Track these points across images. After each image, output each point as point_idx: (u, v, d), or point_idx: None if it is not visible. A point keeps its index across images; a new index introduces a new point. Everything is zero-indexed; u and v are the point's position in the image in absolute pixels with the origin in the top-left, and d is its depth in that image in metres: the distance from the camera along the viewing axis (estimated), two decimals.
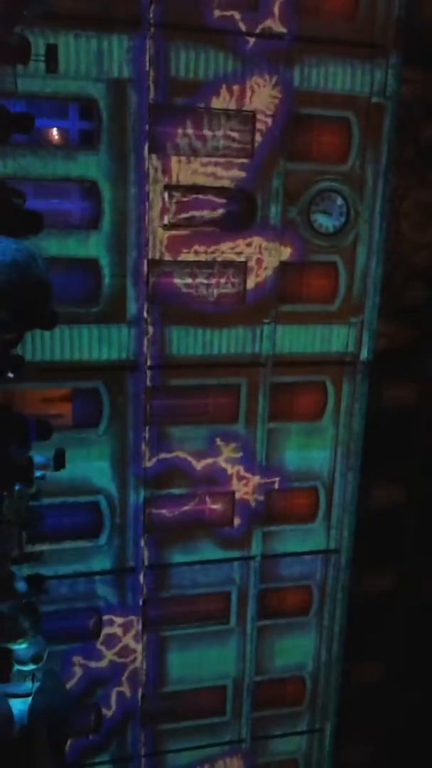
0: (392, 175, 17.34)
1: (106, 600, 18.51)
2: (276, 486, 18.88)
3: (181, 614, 19.32)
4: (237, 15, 16.21)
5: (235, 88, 16.56)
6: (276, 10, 16.34)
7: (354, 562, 19.49)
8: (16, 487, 13.43)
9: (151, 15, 15.68)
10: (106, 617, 18.59)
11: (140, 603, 18.68)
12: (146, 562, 18.52)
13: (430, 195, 17.95)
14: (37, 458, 13.93)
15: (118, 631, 18.75)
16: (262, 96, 16.67)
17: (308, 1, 16.54)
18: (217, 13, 16.05)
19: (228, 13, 16.15)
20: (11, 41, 11.48)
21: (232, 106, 16.67)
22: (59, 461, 14.50)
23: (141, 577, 18.57)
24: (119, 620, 18.72)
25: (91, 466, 17.75)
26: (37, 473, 13.90)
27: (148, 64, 15.88)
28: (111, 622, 18.71)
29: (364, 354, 18.28)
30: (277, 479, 18.85)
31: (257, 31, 16.33)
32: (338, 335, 18.18)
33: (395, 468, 19.26)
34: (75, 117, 16.45)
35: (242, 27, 16.29)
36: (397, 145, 17.20)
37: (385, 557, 19.92)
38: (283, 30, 16.40)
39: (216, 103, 16.59)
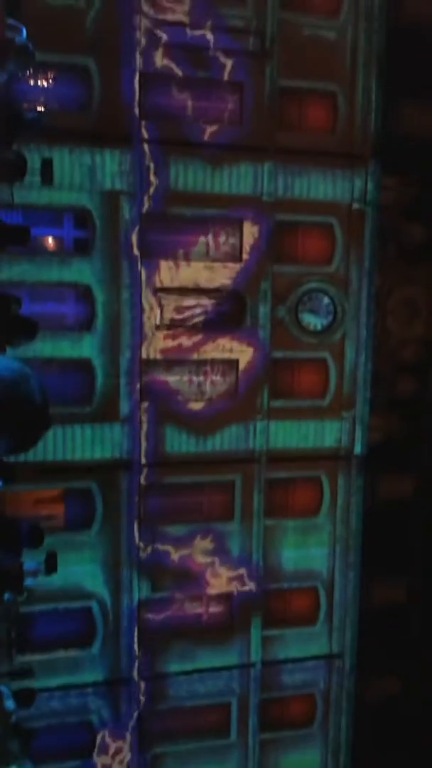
0: (376, 275, 17.98)
1: (100, 714, 17.61)
2: (274, 587, 18.37)
3: (178, 728, 18.30)
4: (223, 130, 17.30)
5: (221, 198, 17.43)
6: (259, 126, 17.46)
7: (358, 667, 18.66)
8: (6, 596, 13.11)
9: (142, 132, 16.75)
10: (99, 733, 17.62)
11: (135, 717, 17.76)
12: (141, 673, 17.75)
13: (414, 292, 18.53)
14: (28, 565, 13.67)
15: (112, 747, 17.71)
16: (248, 203, 17.53)
17: (291, 116, 17.70)
18: (203, 128, 17.15)
19: (214, 128, 17.24)
20: (8, 158, 12.16)
21: (221, 213, 17.50)
22: (51, 565, 14.24)
23: (135, 689, 17.73)
24: (113, 737, 17.73)
25: (83, 570, 17.38)
26: (28, 580, 13.61)
27: (138, 177, 16.82)
28: (104, 740, 17.72)
29: (357, 448, 18.28)
30: (275, 581, 18.37)
31: (243, 143, 17.39)
32: (331, 430, 18.25)
33: (395, 564, 18.81)
34: (69, 226, 17.24)
35: (230, 140, 17.36)
36: (379, 246, 17.93)
37: (390, 660, 19.08)
38: (267, 143, 17.46)
39: (204, 212, 17.43)
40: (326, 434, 18.23)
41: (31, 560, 13.49)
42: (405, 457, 18.62)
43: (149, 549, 17.64)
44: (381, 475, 18.47)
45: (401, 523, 18.67)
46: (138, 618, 17.72)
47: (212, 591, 18.32)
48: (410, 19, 17.38)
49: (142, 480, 17.36)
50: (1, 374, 3.49)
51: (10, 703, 12.22)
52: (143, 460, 17.31)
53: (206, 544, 18.07)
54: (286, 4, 17.22)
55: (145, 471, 17.37)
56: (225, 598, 18.45)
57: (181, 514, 17.92)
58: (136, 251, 16.95)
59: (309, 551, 18.57)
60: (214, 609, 18.43)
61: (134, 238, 16.91)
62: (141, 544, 17.55)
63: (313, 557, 18.58)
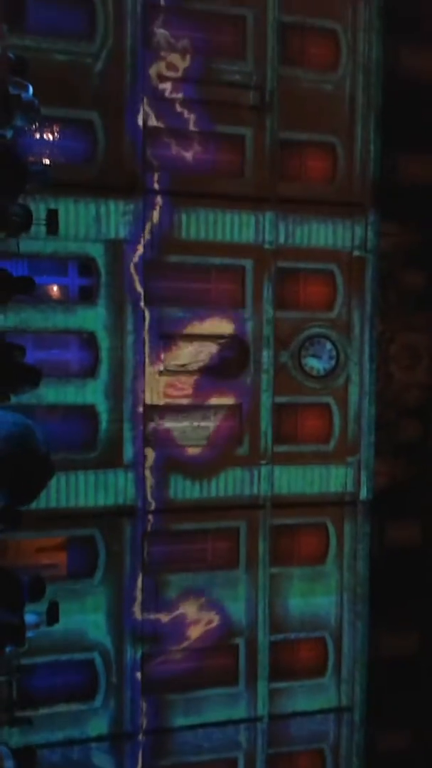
0: (378, 321, 18.15)
1: None
2: (281, 637, 18.01)
3: None
4: (225, 180, 17.69)
5: (223, 246, 17.70)
6: (260, 176, 17.84)
7: (368, 720, 18.14)
8: (8, 650, 12.88)
9: (145, 182, 17.11)
10: None
11: None
12: (145, 726, 17.27)
13: (416, 338, 18.66)
14: (30, 617, 13.45)
15: None
16: (250, 251, 17.80)
17: (291, 167, 18.09)
18: (205, 179, 17.54)
19: (216, 179, 17.63)
20: (14, 211, 12.37)
21: (224, 261, 17.75)
22: (53, 615, 13.99)
23: (139, 743, 17.24)
24: None
25: (85, 620, 17.08)
26: (30, 633, 13.37)
27: (142, 226, 17.11)
28: None
29: (363, 493, 18.16)
30: (281, 631, 18.04)
31: (244, 194, 17.74)
32: (336, 475, 18.16)
33: (405, 612, 18.46)
34: (74, 274, 17.47)
35: (232, 191, 17.72)
36: (380, 293, 18.14)
37: (401, 713, 18.56)
38: (268, 193, 17.81)
39: (207, 259, 17.69)
40: (331, 479, 18.13)
41: (32, 611, 13.27)
42: (412, 502, 18.47)
43: (152, 598, 17.36)
44: (388, 521, 18.29)
45: (410, 570, 18.40)
46: (142, 670, 17.33)
47: (217, 642, 17.97)
48: (406, 72, 17.93)
49: (146, 527, 17.19)
50: (9, 430, 3.54)
51: (10, 764, 11.90)
52: (147, 507, 17.17)
53: (212, 593, 17.79)
54: (286, 60, 17.77)
55: (148, 518, 17.22)
56: (231, 648, 18.08)
57: (186, 562, 17.70)
58: (140, 298, 17.14)
59: (316, 600, 18.27)
60: (219, 661, 18.04)
61: (138, 286, 17.12)
62: (143, 594, 17.28)
63: (320, 606, 18.27)
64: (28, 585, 10.32)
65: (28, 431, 3.64)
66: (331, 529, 18.34)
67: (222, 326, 17.72)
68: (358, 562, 18.17)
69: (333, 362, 18.08)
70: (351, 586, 18.24)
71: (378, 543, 18.15)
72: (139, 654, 17.32)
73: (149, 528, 17.23)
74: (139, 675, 17.30)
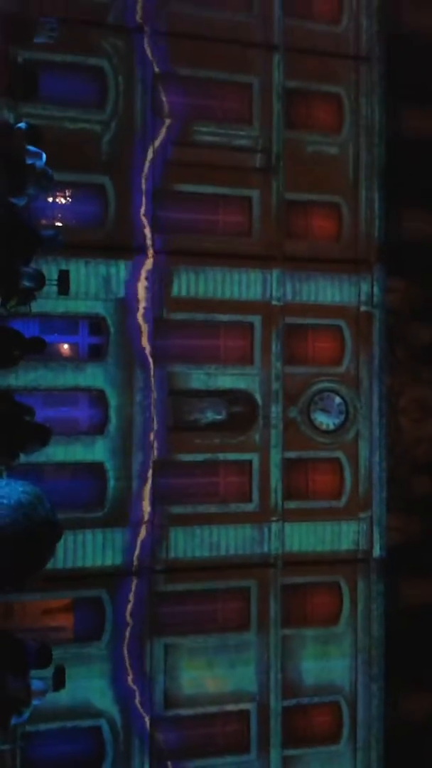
0: (386, 375, 18.14)
1: None
2: (294, 703, 17.42)
3: None
4: (233, 240, 18.03)
5: (231, 304, 17.91)
6: (266, 236, 18.17)
7: None
8: (14, 720, 12.57)
9: (155, 243, 17.45)
10: None
11: None
12: None
13: (425, 392, 18.60)
14: (35, 684, 13.17)
15: None
16: (258, 308, 17.98)
17: (297, 226, 18.42)
18: (214, 237, 17.88)
19: (223, 239, 17.97)
20: (27, 275, 12.55)
21: (232, 318, 17.93)
22: (59, 681, 13.65)
23: None
24: None
25: (92, 685, 16.63)
26: (36, 700, 13.07)
27: (151, 285, 17.38)
28: None
29: (376, 551, 17.80)
30: (294, 695, 17.46)
31: (252, 253, 18.04)
32: (348, 532, 17.85)
33: (422, 675, 17.82)
34: (85, 333, 17.68)
35: (239, 250, 18.03)
36: (387, 347, 18.20)
37: None
38: (274, 252, 18.10)
39: (216, 316, 17.87)
40: (343, 536, 17.82)
41: (38, 677, 12.97)
42: (426, 559, 18.05)
43: (160, 662, 16.94)
44: (402, 579, 17.85)
45: (426, 630, 17.85)
46: (150, 737, 16.75)
47: (228, 708, 17.41)
48: (408, 133, 18.41)
49: (153, 587, 16.90)
50: (18, 499, 3.57)
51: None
52: (154, 566, 16.91)
53: (222, 656, 17.32)
54: (291, 124, 18.31)
55: (156, 578, 16.93)
56: (242, 715, 17.48)
57: (196, 624, 17.29)
58: (149, 356, 17.28)
59: (329, 663, 17.72)
60: (230, 728, 17.42)
61: (147, 344, 17.29)
62: (152, 658, 16.87)
63: (333, 669, 17.71)
64: (34, 651, 10.12)
65: (37, 500, 3.66)
66: (344, 588, 17.93)
67: (231, 382, 17.76)
68: (372, 623, 17.69)
69: (342, 417, 18.01)
70: (365, 647, 17.70)
71: (392, 602, 17.68)
72: (147, 721, 16.77)
73: (156, 588, 16.93)
74: (147, 744, 16.72)
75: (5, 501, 3.58)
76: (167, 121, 17.54)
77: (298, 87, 18.37)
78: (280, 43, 18.03)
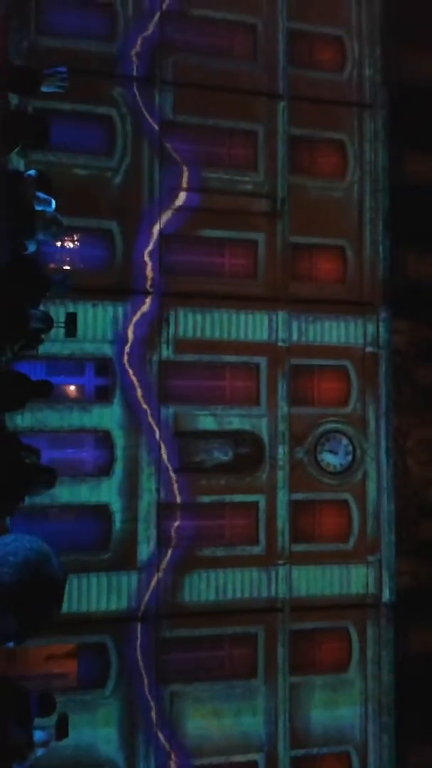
0: (393, 416, 18.05)
1: None
2: (302, 753, 16.92)
3: None
4: (239, 282, 18.18)
5: (237, 345, 17.98)
6: (272, 278, 18.31)
7: None
8: None
9: (161, 286, 17.61)
10: None
11: None
12: None
13: None
14: (39, 735, 12.92)
15: None
16: (264, 349, 18.03)
17: (302, 269, 18.58)
18: (221, 280, 18.03)
19: (229, 282, 18.12)
20: (38, 315, 12.72)
21: (238, 359, 17.97)
22: (62, 730, 13.34)
23: None
24: None
25: (96, 734, 16.25)
26: (38, 751, 12.81)
27: (158, 327, 17.49)
28: None
29: (386, 595, 17.47)
30: (303, 745, 16.97)
31: (257, 295, 18.17)
32: (357, 575, 17.56)
33: None
34: (91, 374, 17.74)
35: (245, 292, 18.16)
36: (394, 387, 18.15)
37: None
38: (280, 294, 18.23)
39: (222, 357, 17.92)
40: (352, 580, 17.52)
41: (41, 727, 12.70)
42: None
43: (166, 712, 16.55)
44: (412, 625, 17.47)
45: None
46: None
47: (236, 759, 16.92)
48: (411, 176, 18.68)
49: (159, 633, 16.60)
50: (25, 556, 3.47)
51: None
52: (160, 612, 16.64)
53: (229, 704, 16.90)
54: (295, 169, 18.61)
55: (162, 623, 16.65)
56: (250, 767, 16.98)
57: (202, 671, 16.93)
58: (155, 397, 17.29)
59: (339, 711, 17.26)
60: None
61: (154, 384, 17.32)
62: (157, 706, 16.48)
63: (343, 718, 17.24)
64: (36, 700, 9.94)
65: (45, 558, 3.59)
66: (353, 634, 17.55)
67: (237, 423, 17.71)
68: (382, 670, 17.26)
69: (349, 458, 17.88)
70: (375, 695, 17.24)
71: (403, 648, 17.27)
72: None
73: (162, 634, 16.63)
74: None
75: (12, 558, 3.52)
76: (174, 168, 17.86)
77: (302, 134, 18.72)
78: (285, 92, 18.45)
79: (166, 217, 17.75)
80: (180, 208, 17.90)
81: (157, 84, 17.62)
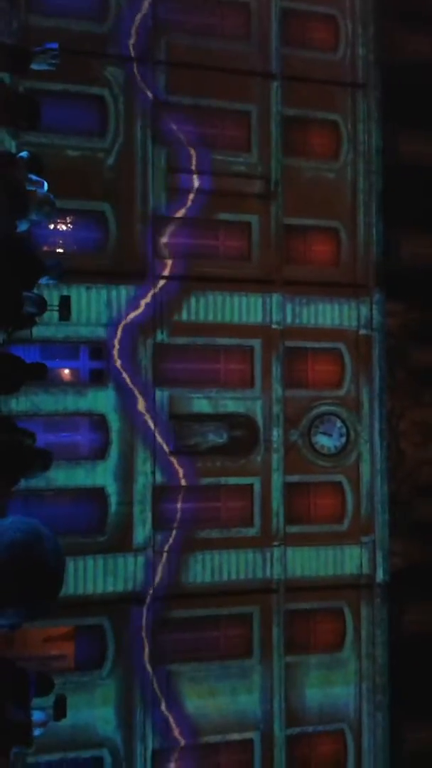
0: (387, 397, 18.10)
1: None
2: (297, 731, 17.12)
3: None
4: (232, 265, 18.13)
5: (232, 327, 17.96)
6: (266, 260, 18.27)
7: None
8: (14, 751, 12.40)
9: (155, 269, 17.55)
10: None
11: None
12: None
13: (426, 414, 18.56)
14: (37, 715, 13.02)
15: None
16: (258, 332, 18.02)
17: (296, 251, 18.53)
18: (214, 262, 17.97)
19: (223, 264, 18.07)
20: (31, 298, 12.68)
21: (232, 341, 17.97)
22: (60, 710, 13.47)
23: None
24: None
25: (94, 714, 16.38)
26: (37, 731, 12.91)
27: (152, 310, 17.45)
28: None
29: (379, 575, 17.61)
30: (298, 723, 17.16)
31: (251, 277, 18.13)
32: (351, 556, 17.68)
33: (428, 702, 17.52)
34: (86, 358, 17.70)
35: (239, 274, 18.12)
36: (387, 370, 18.18)
37: None
38: (274, 276, 18.20)
39: (216, 340, 17.91)
40: (346, 561, 17.65)
41: (39, 707, 12.78)
42: (430, 584, 17.83)
43: (163, 690, 16.68)
44: (406, 604, 17.64)
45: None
46: (153, 767, 16.45)
47: (232, 737, 17.11)
48: (405, 157, 18.60)
49: (155, 614, 16.71)
50: (12, 537, 3.22)
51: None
52: (157, 593, 16.74)
53: (224, 683, 17.07)
54: (289, 150, 18.50)
55: (158, 604, 16.75)
56: (246, 744, 17.18)
57: (197, 651, 17.07)
58: (150, 380, 17.29)
59: (333, 690, 17.45)
60: (234, 757, 17.12)
61: (148, 367, 17.30)
62: (155, 685, 16.62)
63: (338, 696, 17.43)
64: (34, 680, 9.99)
65: (34, 538, 3.29)
66: (348, 614, 17.71)
67: (231, 406, 17.73)
68: (376, 649, 17.45)
69: (343, 440, 17.95)
70: (370, 674, 17.44)
71: (397, 628, 17.45)
72: (150, 751, 16.49)
73: (158, 615, 16.74)
74: None
75: None
76: (166, 149, 17.74)
77: (295, 114, 18.60)
78: (278, 72, 18.31)
79: (159, 198, 17.65)
80: (173, 189, 17.79)
81: (150, 64, 17.46)
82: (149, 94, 17.51)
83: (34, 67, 9.61)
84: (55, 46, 9.47)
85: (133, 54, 17.36)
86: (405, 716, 17.40)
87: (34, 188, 11.03)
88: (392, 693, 17.27)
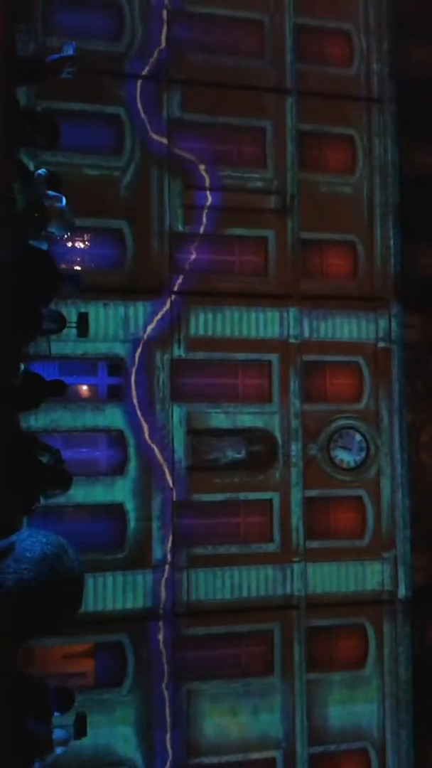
0: (406, 411, 17.96)
1: None
2: (320, 750, 16.88)
3: None
4: (249, 280, 18.16)
5: (249, 342, 17.95)
6: (283, 275, 18.27)
7: None
8: (36, 765, 12.33)
9: (172, 285, 17.60)
10: None
11: None
12: None
13: None
14: (57, 733, 12.93)
15: None
16: (276, 346, 17.99)
17: (313, 265, 18.53)
18: (231, 278, 18.00)
19: (240, 279, 18.11)
20: (50, 314, 12.76)
21: (250, 356, 17.95)
22: (80, 729, 13.36)
23: None
24: None
25: (114, 732, 16.25)
26: (58, 750, 12.82)
27: (169, 325, 17.48)
28: None
29: (402, 591, 17.40)
30: (320, 742, 16.93)
31: (268, 292, 18.13)
32: (372, 572, 17.49)
33: None
34: (104, 374, 17.75)
35: (256, 289, 18.13)
36: (407, 382, 18.06)
37: None
38: (291, 291, 18.18)
39: (234, 355, 17.90)
40: (367, 576, 17.46)
41: (59, 726, 12.70)
42: None
43: (184, 709, 16.54)
44: (429, 620, 17.40)
45: None
46: None
47: (253, 756, 16.90)
48: (421, 170, 18.59)
49: (175, 631, 16.60)
50: (43, 550, 3.37)
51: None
52: (176, 610, 16.64)
53: (245, 702, 16.89)
54: (304, 165, 18.54)
55: (178, 621, 16.65)
56: (268, 763, 16.96)
57: (218, 669, 16.92)
58: (167, 395, 17.29)
59: (356, 708, 17.20)
60: None
61: (166, 383, 17.32)
62: (175, 705, 16.48)
63: (361, 714, 17.18)
64: (55, 694, 9.93)
65: (62, 551, 3.51)
66: (370, 631, 17.49)
67: (250, 420, 17.68)
68: (399, 666, 17.20)
69: (363, 454, 17.81)
70: (393, 692, 17.18)
71: (419, 644, 17.20)
72: None
73: (178, 632, 16.63)
74: None
75: (29, 554, 3.45)
76: (183, 167, 17.84)
77: (311, 129, 18.65)
78: (293, 87, 18.40)
79: (175, 215, 17.74)
80: (189, 206, 17.88)
81: (165, 82, 17.61)
82: (164, 113, 17.64)
83: (63, 75, 9.68)
84: (72, 46, 9.52)
85: (148, 72, 17.52)
86: (429, 733, 17.11)
87: (53, 203, 11.14)
88: (416, 710, 17.01)
